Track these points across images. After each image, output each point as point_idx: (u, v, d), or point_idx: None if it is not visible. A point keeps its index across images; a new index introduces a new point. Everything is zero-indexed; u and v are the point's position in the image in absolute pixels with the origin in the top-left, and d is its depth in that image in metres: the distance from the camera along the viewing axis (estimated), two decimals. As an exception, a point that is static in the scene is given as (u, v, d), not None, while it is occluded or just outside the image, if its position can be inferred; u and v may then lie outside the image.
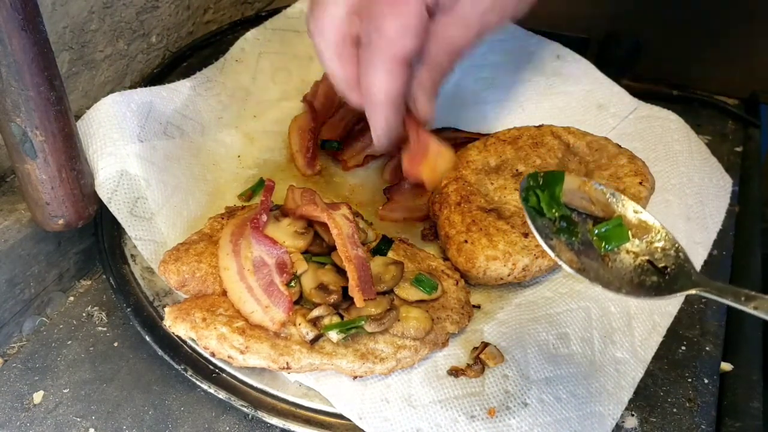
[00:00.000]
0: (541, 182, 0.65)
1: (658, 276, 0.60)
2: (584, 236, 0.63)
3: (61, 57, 0.88)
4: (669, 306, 0.74)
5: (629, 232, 0.62)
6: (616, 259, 0.61)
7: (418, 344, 0.67)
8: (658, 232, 0.62)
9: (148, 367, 0.72)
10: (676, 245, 0.61)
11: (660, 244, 0.61)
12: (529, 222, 0.62)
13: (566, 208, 0.64)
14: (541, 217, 0.63)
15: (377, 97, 0.70)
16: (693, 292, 0.56)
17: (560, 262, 0.59)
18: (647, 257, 0.61)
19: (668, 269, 0.60)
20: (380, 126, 0.73)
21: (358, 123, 0.99)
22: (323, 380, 0.67)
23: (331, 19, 0.70)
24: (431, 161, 0.75)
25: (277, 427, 0.66)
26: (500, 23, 0.74)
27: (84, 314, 0.78)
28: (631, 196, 0.82)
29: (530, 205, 0.64)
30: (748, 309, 0.52)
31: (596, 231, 0.63)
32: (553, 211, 0.64)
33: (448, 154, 0.77)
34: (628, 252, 0.62)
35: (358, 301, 0.65)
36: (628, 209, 0.64)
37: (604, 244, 0.62)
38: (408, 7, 0.66)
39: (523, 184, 0.65)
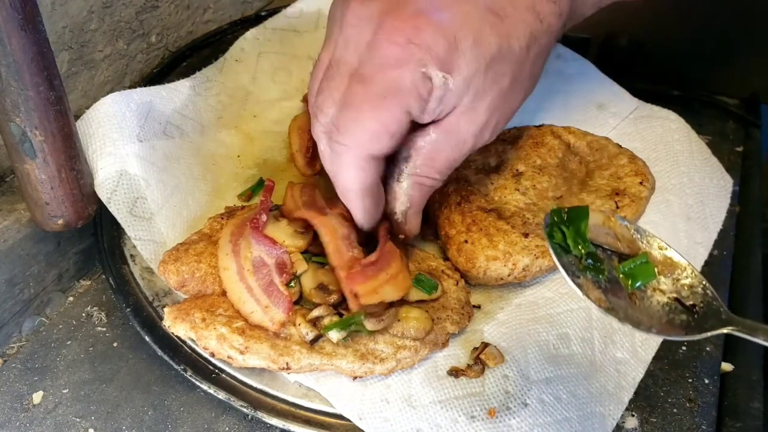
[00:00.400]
0: (565, 218, 0.63)
1: (687, 314, 0.58)
2: (610, 273, 0.61)
3: (61, 57, 0.88)
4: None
5: (655, 269, 0.61)
6: (643, 297, 0.60)
7: (418, 344, 0.67)
8: (684, 269, 0.61)
9: (148, 367, 0.72)
10: (704, 282, 0.60)
11: (687, 281, 0.60)
12: (555, 259, 0.60)
13: (591, 245, 0.63)
14: (566, 254, 0.62)
15: (350, 188, 0.69)
16: (724, 331, 0.55)
17: (589, 302, 0.58)
18: (675, 295, 0.60)
19: (697, 307, 0.59)
20: (358, 213, 0.71)
21: None
22: (323, 381, 0.66)
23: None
24: (379, 282, 0.67)
25: (276, 427, 0.66)
26: (494, 137, 0.72)
27: (83, 314, 0.78)
28: (632, 196, 0.82)
29: (555, 242, 0.62)
30: None
31: (623, 268, 0.62)
32: (579, 247, 0.62)
33: (401, 285, 0.68)
34: (655, 290, 0.61)
35: (351, 300, 0.65)
36: (653, 246, 0.63)
37: (630, 281, 0.61)
38: (389, 112, 0.64)
39: (547, 220, 0.63)
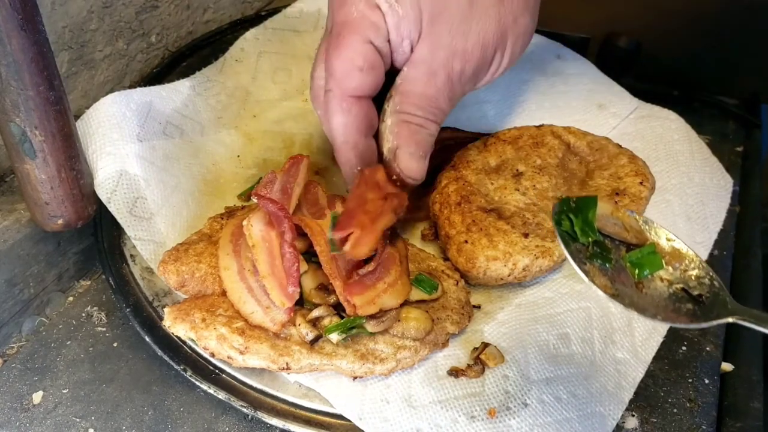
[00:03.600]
0: (573, 207, 0.64)
1: (693, 303, 0.59)
2: (617, 262, 0.62)
3: (61, 57, 0.88)
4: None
5: (663, 260, 0.62)
6: (650, 286, 0.61)
7: (418, 345, 0.67)
8: (692, 260, 0.62)
9: (148, 367, 0.72)
10: (711, 273, 0.60)
11: (694, 272, 0.61)
12: (562, 247, 0.61)
13: (599, 234, 0.64)
14: (574, 241, 0.63)
15: (337, 138, 0.71)
16: (730, 320, 0.56)
17: (594, 288, 0.58)
18: (681, 285, 0.61)
19: (703, 297, 0.59)
20: (344, 165, 0.73)
21: None
22: (323, 381, 0.66)
23: None
24: (377, 292, 0.67)
25: (276, 427, 0.66)
26: (473, 77, 0.73)
27: (83, 314, 0.78)
28: (632, 196, 0.82)
29: (563, 230, 0.63)
30: None
31: (630, 258, 0.62)
32: (587, 236, 0.63)
33: (401, 292, 0.68)
34: (662, 279, 0.61)
35: (350, 310, 0.65)
36: (662, 237, 0.63)
37: (637, 271, 0.62)
38: (349, 47, 0.68)
39: (556, 208, 0.64)
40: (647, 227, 0.64)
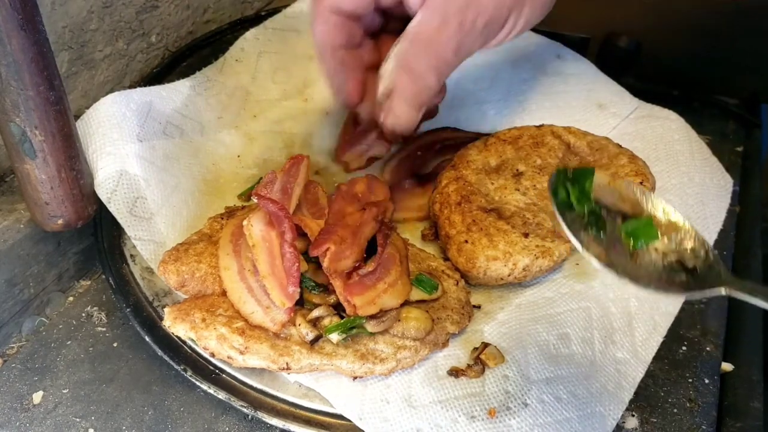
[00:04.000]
0: (570, 176, 0.64)
1: (687, 275, 0.59)
2: (613, 233, 0.62)
3: (61, 57, 0.88)
4: (669, 306, 0.74)
5: (659, 231, 0.62)
6: (644, 257, 0.60)
7: (418, 344, 0.67)
8: (688, 232, 0.61)
9: (148, 367, 0.72)
10: (707, 246, 0.60)
11: (690, 245, 0.60)
12: (557, 215, 0.61)
13: (596, 204, 0.64)
14: (569, 211, 0.62)
15: (317, 45, 0.76)
16: (722, 290, 0.55)
17: (588, 256, 0.58)
18: (676, 257, 0.60)
19: (698, 269, 0.59)
20: (328, 78, 0.77)
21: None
22: (323, 381, 0.66)
23: None
24: (377, 293, 0.67)
25: (277, 427, 0.66)
26: (483, 31, 0.72)
27: (83, 314, 0.78)
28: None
29: (560, 199, 0.63)
30: None
31: (625, 228, 0.62)
32: (583, 205, 0.62)
33: (401, 292, 0.68)
34: (657, 251, 0.61)
35: (350, 310, 0.65)
36: (658, 208, 0.63)
37: (632, 241, 0.61)
38: None
39: (553, 178, 0.64)
40: (644, 198, 0.64)
